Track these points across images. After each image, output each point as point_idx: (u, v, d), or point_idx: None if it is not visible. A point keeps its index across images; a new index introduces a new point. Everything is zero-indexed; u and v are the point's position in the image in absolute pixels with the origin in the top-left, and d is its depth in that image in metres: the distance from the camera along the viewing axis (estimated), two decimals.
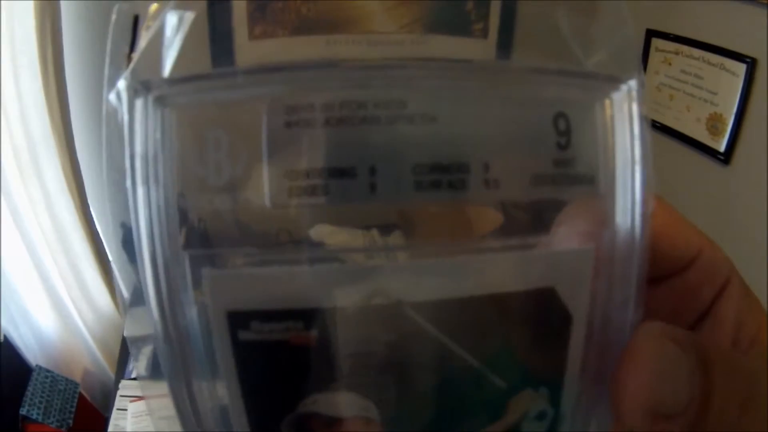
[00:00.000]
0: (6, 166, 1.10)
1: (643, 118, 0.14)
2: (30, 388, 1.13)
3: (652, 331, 0.15)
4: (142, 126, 0.13)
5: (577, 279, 0.14)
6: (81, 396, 1.22)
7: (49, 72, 1.12)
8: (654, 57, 1.21)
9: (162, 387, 0.14)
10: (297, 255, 0.14)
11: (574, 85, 0.15)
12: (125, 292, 1.41)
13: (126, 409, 1.02)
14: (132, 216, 0.13)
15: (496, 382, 0.14)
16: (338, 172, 0.13)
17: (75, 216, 1.27)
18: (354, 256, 0.14)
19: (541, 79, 0.15)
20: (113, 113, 0.13)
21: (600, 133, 0.14)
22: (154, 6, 0.13)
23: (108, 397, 1.19)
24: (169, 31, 0.13)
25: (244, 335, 0.13)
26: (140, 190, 0.13)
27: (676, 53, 1.16)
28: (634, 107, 0.14)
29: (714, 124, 1.09)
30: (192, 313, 0.13)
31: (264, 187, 0.13)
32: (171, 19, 0.13)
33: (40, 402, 1.12)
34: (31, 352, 1.23)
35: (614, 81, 0.14)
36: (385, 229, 0.15)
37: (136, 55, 0.13)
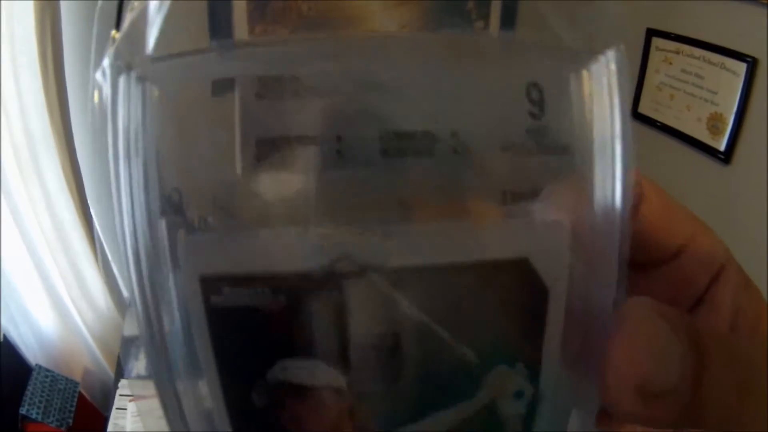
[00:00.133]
0: (6, 165, 1.10)
1: (622, 90, 0.14)
2: (30, 388, 1.13)
3: (642, 306, 0.14)
4: (124, 102, 0.13)
5: (552, 252, 0.14)
6: (81, 395, 1.22)
7: (49, 71, 1.12)
8: (654, 56, 1.21)
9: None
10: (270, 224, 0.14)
11: (549, 56, 0.15)
12: (125, 292, 1.41)
13: (126, 409, 1.02)
14: (113, 189, 0.13)
15: (468, 356, 0.14)
16: (306, 140, 0.13)
17: (75, 215, 1.27)
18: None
19: (516, 50, 0.15)
20: (99, 91, 0.14)
21: (576, 104, 0.14)
22: None
23: (108, 396, 1.19)
24: (152, 11, 0.13)
25: (216, 300, 0.13)
26: (122, 164, 0.13)
27: (677, 52, 1.16)
28: (613, 80, 0.14)
29: (714, 123, 1.09)
30: (170, 283, 0.14)
31: (236, 156, 0.13)
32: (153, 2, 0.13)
33: (40, 401, 1.12)
34: (30, 351, 1.23)
35: (592, 53, 0.14)
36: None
37: (120, 35, 0.13)
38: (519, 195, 0.14)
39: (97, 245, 1.33)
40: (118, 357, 1.16)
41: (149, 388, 0.15)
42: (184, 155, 0.14)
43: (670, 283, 0.17)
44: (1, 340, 1.13)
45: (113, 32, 0.14)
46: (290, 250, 0.13)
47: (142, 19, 0.13)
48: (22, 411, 1.08)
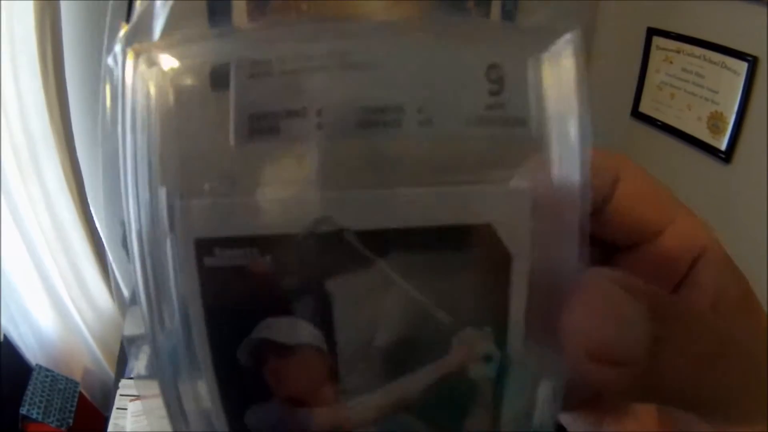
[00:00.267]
0: (6, 165, 1.10)
1: (580, 70, 0.15)
2: (30, 388, 1.13)
3: (599, 275, 0.15)
4: (132, 82, 0.15)
5: (515, 218, 0.15)
6: (81, 395, 1.22)
7: (49, 71, 1.12)
8: (655, 55, 1.21)
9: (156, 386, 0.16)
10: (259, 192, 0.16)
11: (509, 37, 0.16)
12: (125, 291, 1.41)
13: (126, 409, 1.02)
14: (120, 163, 0.15)
15: (440, 317, 0.15)
16: (291, 113, 0.15)
17: (75, 215, 1.27)
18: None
19: (478, 33, 0.16)
20: (110, 74, 0.16)
21: (534, 83, 0.15)
22: None
23: (108, 396, 1.19)
24: (157, 6, 0.15)
25: (209, 261, 0.15)
26: (128, 139, 0.15)
27: (677, 52, 1.16)
28: (570, 60, 0.15)
29: (715, 122, 1.09)
30: (167, 249, 0.15)
31: (231, 128, 0.15)
32: None
33: (40, 401, 1.12)
34: (31, 351, 1.23)
35: (550, 34, 0.15)
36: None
37: (129, 25, 0.15)
38: (481, 164, 0.16)
39: (98, 244, 1.33)
40: (118, 357, 1.16)
41: (151, 387, 0.16)
42: (184, 131, 0.15)
43: (651, 263, 0.17)
44: (2, 340, 1.13)
45: (123, 24, 0.15)
46: (276, 214, 0.15)
47: (149, 12, 0.15)
48: (23, 411, 1.08)
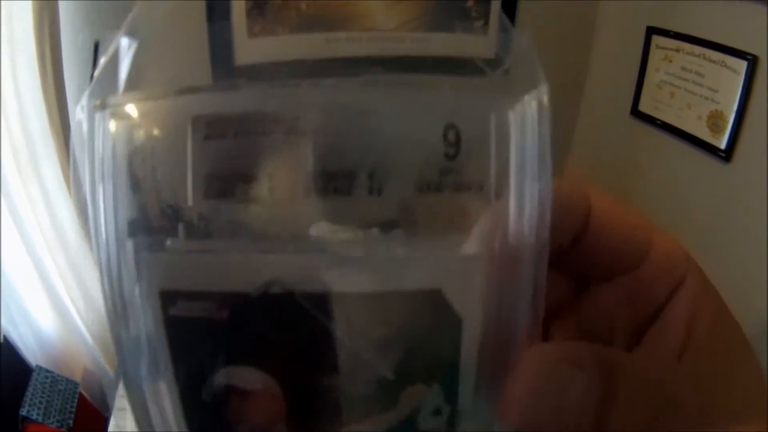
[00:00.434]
0: (5, 165, 1.10)
1: (542, 130, 0.15)
2: (30, 389, 1.13)
3: (542, 352, 0.15)
4: (99, 134, 0.16)
5: (465, 283, 0.15)
6: (81, 396, 1.22)
7: (48, 71, 1.12)
8: (654, 54, 1.21)
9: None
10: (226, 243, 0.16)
11: (469, 98, 0.16)
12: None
13: (126, 409, 1.02)
14: (90, 211, 0.16)
15: (384, 374, 0.16)
16: (244, 177, 0.15)
17: (74, 215, 1.26)
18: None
19: (436, 93, 0.16)
20: (79, 126, 0.16)
21: (493, 145, 0.15)
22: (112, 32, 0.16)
23: (108, 397, 1.19)
24: (122, 53, 0.16)
25: (173, 311, 0.16)
26: (97, 189, 0.16)
27: (677, 50, 1.15)
28: (532, 120, 0.15)
29: (715, 121, 1.09)
30: (135, 294, 0.16)
31: (188, 189, 0.16)
32: (123, 42, 0.16)
33: (40, 402, 1.12)
34: (31, 352, 1.23)
35: (512, 94, 0.15)
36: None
37: (96, 75, 0.16)
38: (433, 231, 0.16)
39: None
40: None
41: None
42: (145, 186, 0.16)
43: (628, 293, 0.17)
44: (2, 340, 1.13)
45: (92, 71, 0.16)
46: (232, 273, 0.16)
47: (113, 60, 0.16)
48: (23, 412, 1.08)
